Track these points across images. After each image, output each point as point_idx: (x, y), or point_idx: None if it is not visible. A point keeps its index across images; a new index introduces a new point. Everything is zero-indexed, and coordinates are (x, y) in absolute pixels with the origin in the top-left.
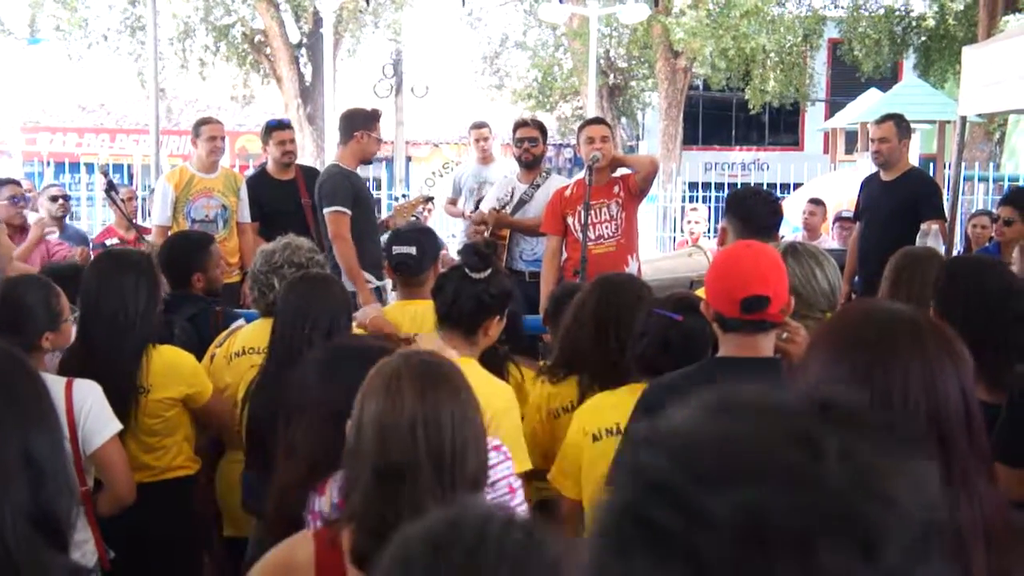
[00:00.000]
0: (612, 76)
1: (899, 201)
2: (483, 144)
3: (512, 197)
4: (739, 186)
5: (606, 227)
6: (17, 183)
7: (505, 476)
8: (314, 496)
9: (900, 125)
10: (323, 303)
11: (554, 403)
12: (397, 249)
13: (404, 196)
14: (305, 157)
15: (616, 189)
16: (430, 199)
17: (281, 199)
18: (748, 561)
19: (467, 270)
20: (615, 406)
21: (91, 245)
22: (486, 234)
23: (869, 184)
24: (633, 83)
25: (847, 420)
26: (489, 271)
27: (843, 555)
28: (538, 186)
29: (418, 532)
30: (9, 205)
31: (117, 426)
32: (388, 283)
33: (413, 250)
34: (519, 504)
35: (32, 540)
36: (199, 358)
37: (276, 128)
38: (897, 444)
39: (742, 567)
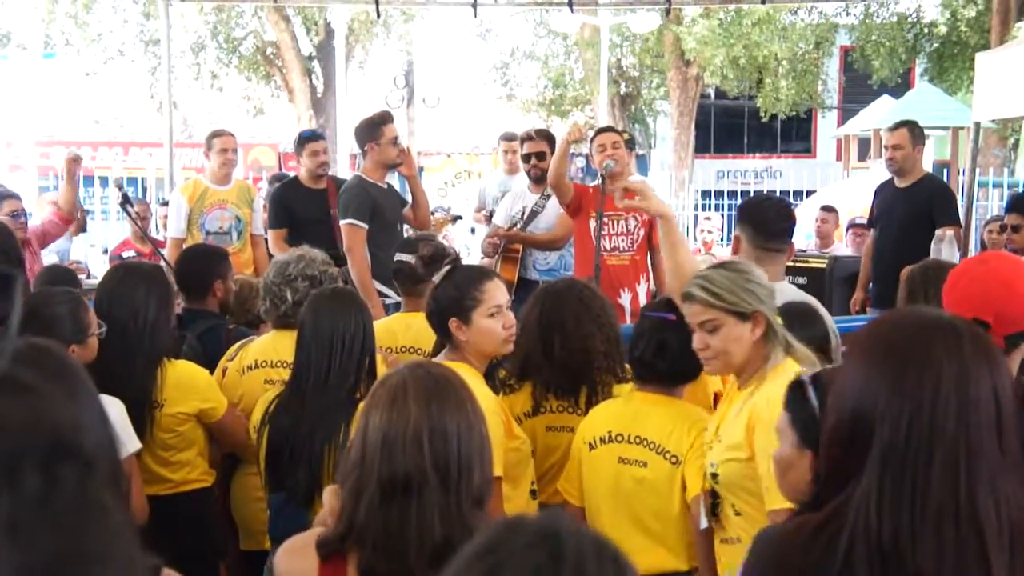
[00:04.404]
0: (624, 85)
1: (914, 208)
2: (511, 157)
3: (524, 212)
4: (752, 194)
5: (622, 240)
6: (17, 197)
7: None
8: None
9: (914, 132)
10: (353, 322)
11: (515, 410)
12: (398, 257)
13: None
14: None
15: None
16: (458, 218)
17: (312, 208)
18: None
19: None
20: (608, 415)
21: (109, 257)
22: (500, 247)
23: (883, 191)
24: (645, 92)
25: None
26: (441, 276)
27: None
28: (549, 196)
29: (515, 564)
30: (11, 220)
31: (136, 445)
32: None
33: (412, 259)
34: None
35: None
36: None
37: (310, 139)
38: None
39: None
